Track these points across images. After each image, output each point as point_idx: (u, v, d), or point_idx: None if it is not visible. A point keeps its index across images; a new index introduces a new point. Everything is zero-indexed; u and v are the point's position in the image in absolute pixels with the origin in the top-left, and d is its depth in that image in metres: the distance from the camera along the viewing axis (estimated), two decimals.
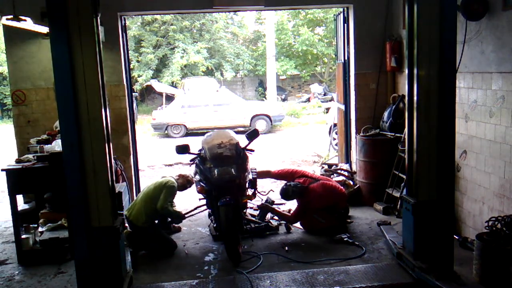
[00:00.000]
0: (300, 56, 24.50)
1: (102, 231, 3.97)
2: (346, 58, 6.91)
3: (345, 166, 7.07)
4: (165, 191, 5.19)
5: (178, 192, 5.44)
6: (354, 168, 6.93)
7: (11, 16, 5.23)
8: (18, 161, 5.20)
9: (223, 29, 24.01)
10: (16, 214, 4.93)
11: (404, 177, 5.36)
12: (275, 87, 20.56)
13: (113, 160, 4.30)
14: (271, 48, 20.26)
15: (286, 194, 5.62)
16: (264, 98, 21.91)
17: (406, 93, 4.36)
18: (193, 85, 19.30)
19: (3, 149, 10.33)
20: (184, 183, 5.50)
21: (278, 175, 6.15)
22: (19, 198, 5.58)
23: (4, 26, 5.90)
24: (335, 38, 7.77)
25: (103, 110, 3.97)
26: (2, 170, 4.92)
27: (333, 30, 9.55)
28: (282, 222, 5.73)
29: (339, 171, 6.91)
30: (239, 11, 17.90)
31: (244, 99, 18.22)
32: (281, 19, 23.94)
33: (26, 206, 5.78)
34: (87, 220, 3.94)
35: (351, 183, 6.61)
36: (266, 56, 21.14)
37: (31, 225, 5.12)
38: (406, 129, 4.45)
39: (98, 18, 3.96)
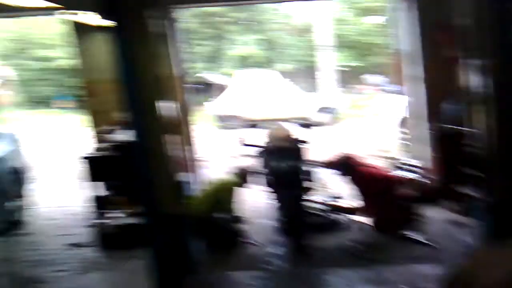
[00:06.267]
0: (358, 47, 23.91)
1: (170, 218, 4.05)
2: (405, 48, 6.62)
3: (415, 162, 6.79)
4: (229, 192, 5.16)
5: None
6: (424, 164, 6.65)
7: (77, 12, 5.43)
8: (94, 149, 5.43)
9: (277, 20, 23.86)
10: (95, 200, 5.14)
11: (479, 174, 5.08)
12: (332, 79, 20.24)
13: (179, 151, 4.37)
14: (328, 39, 19.92)
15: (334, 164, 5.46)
16: (320, 90, 21.60)
17: (472, 85, 4.09)
18: (248, 76, 19.33)
19: (78, 139, 10.82)
20: (246, 175, 5.49)
21: (331, 164, 5.93)
22: (99, 185, 5.84)
23: (74, 21, 6.13)
24: (394, 27, 7.47)
25: (165, 101, 4.04)
26: (83, 158, 5.16)
27: (392, 19, 9.21)
28: (349, 217, 5.60)
29: (407, 167, 6.64)
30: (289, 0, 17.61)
31: (299, 91, 18.05)
32: (337, 8, 23.41)
33: (104, 193, 6.00)
34: (156, 208, 4.04)
35: (421, 180, 6.33)
36: (321, 47, 20.80)
37: (108, 211, 5.34)
38: (481, 124, 4.19)
39: (154, 12, 4.02)
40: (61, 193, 7.66)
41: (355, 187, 5.44)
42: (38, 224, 6.11)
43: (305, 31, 26.13)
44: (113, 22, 3.98)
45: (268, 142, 5.28)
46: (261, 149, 5.47)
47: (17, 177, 6.07)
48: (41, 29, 21.46)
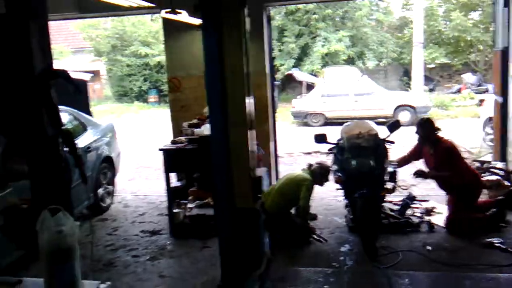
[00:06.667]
0: (451, 43, 22.65)
1: (243, 211, 4.16)
2: (505, 45, 6.21)
3: (500, 165, 6.39)
4: (305, 189, 5.12)
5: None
6: (511, 167, 6.23)
7: (169, 10, 5.72)
8: (172, 142, 5.71)
9: (367, 16, 23.25)
10: (169, 190, 5.42)
11: None
12: (421, 77, 19.38)
13: (258, 146, 4.46)
14: (419, 35, 19.09)
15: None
16: (408, 88, 20.80)
17: None
18: (334, 74, 19.09)
19: (160, 131, 11.43)
20: (322, 172, 5.48)
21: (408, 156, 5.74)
22: (173, 176, 6.15)
23: (163, 19, 6.47)
24: (493, 23, 7.02)
25: (247, 97, 4.12)
26: (159, 149, 5.45)
27: (490, 14, 8.65)
28: (424, 219, 5.40)
29: (492, 170, 6.27)
30: None
31: (386, 89, 17.50)
32: (430, 3, 22.36)
33: (178, 184, 6.31)
34: (229, 200, 4.16)
35: (507, 183, 5.95)
36: (412, 43, 19.99)
37: (182, 201, 5.62)
38: None
39: (245, 10, 4.11)
40: (143, 182, 8.16)
41: (439, 186, 5.21)
42: (120, 210, 6.57)
43: (398, 27, 25.25)
44: (204, 19, 4.14)
45: (348, 139, 5.23)
46: (338, 146, 5.44)
47: (109, 166, 6.57)
48: (138, 26, 22.84)
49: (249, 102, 4.23)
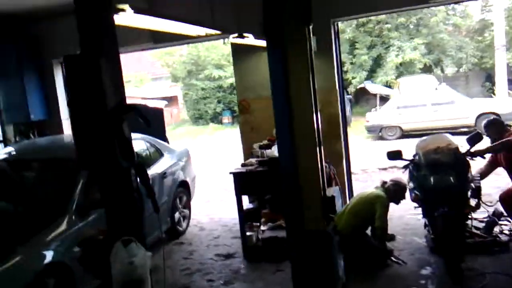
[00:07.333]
0: None
1: (314, 234, 4.08)
2: None
3: None
4: (380, 207, 4.96)
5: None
6: None
7: (236, 34, 5.85)
8: (243, 165, 5.77)
9: (443, 22, 22.30)
10: (241, 214, 5.47)
11: None
12: (506, 81, 18.15)
13: (325, 165, 4.39)
14: (501, 37, 17.96)
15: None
16: (492, 94, 19.56)
17: None
18: (409, 84, 18.44)
19: (233, 152, 11.62)
20: (396, 189, 5.26)
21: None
22: (245, 198, 6.20)
23: (232, 43, 6.64)
24: None
25: (314, 116, 4.07)
26: (230, 173, 5.53)
27: None
28: None
29: None
30: (457, 2, 16.25)
31: (468, 97, 16.57)
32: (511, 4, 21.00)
33: (251, 206, 6.36)
34: (300, 222, 4.10)
35: None
36: (494, 46, 18.84)
37: (254, 223, 5.63)
38: None
39: (310, 27, 4.09)
40: (219, 204, 8.29)
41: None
42: (196, 233, 6.69)
43: (478, 30, 23.95)
44: (268, 39, 4.19)
45: (424, 155, 5.00)
46: (413, 162, 5.21)
47: (184, 190, 6.76)
48: (211, 51, 23.65)
49: (317, 120, 4.19)
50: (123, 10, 3.18)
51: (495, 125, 5.25)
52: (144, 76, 25.88)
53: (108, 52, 3.01)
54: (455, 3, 16.60)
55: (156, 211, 2.97)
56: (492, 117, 5.40)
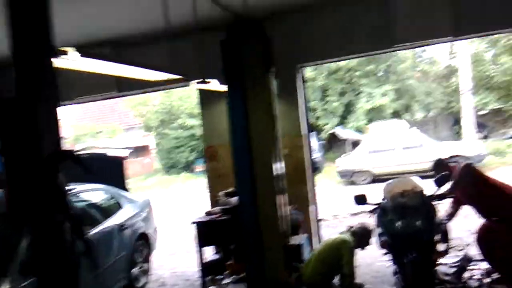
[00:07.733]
0: (503, 88, 21.76)
1: (275, 285, 3.86)
2: None
3: None
4: (347, 252, 4.80)
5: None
6: None
7: (200, 80, 5.76)
8: (207, 213, 5.54)
9: (411, 68, 22.99)
10: (203, 267, 5.18)
11: None
12: (472, 124, 18.59)
13: (290, 211, 4.22)
14: (467, 82, 18.55)
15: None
16: (460, 137, 19.95)
17: None
18: (379, 129, 18.70)
19: (199, 202, 11.32)
20: (363, 233, 5.08)
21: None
22: (210, 249, 5.89)
23: (199, 90, 6.54)
24: None
25: (276, 162, 3.94)
26: (192, 222, 5.28)
27: None
28: (484, 282, 4.82)
29: None
30: (422, 46, 16.74)
31: (437, 140, 16.82)
32: (477, 49, 21.82)
33: (216, 257, 6.06)
34: (261, 272, 3.89)
35: None
36: (460, 91, 19.41)
37: (216, 277, 5.31)
38: None
39: (273, 73, 4.01)
40: (184, 256, 7.92)
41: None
42: None
43: (445, 76, 24.73)
44: (229, 85, 4.09)
45: (392, 198, 4.87)
46: (380, 206, 5.07)
47: (145, 243, 6.40)
48: (184, 99, 23.68)
49: (279, 167, 4.05)
50: (65, 52, 3.02)
51: (441, 165, 5.28)
52: (117, 127, 25.58)
53: (45, 97, 2.83)
54: (419, 46, 17.12)
55: (94, 268, 2.71)
56: (436, 157, 5.52)
